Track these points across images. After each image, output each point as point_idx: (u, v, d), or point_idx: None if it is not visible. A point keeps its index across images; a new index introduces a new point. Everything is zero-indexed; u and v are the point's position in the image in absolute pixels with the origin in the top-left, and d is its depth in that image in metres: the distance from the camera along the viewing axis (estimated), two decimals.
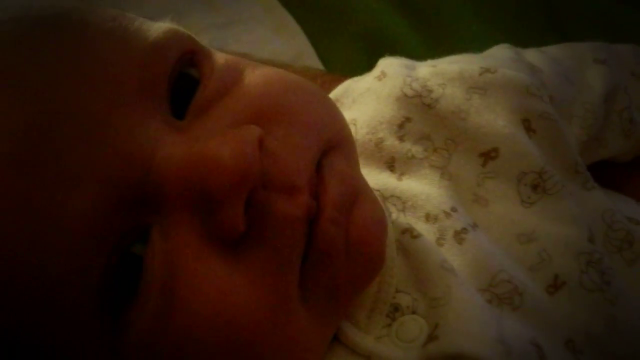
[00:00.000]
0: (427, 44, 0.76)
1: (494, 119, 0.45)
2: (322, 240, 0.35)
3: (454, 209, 0.42)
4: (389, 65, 0.49)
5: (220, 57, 0.39)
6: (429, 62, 0.50)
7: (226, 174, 0.33)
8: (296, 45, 0.73)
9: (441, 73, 0.47)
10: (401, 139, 0.45)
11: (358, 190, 0.37)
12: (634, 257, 0.43)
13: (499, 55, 0.50)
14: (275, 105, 0.37)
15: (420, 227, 0.41)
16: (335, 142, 0.38)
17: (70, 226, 0.32)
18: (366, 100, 0.47)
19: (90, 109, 0.33)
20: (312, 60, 0.72)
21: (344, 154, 0.39)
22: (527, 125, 0.45)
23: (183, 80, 0.37)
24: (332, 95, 0.50)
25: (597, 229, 0.43)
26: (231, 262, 0.34)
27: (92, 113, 0.33)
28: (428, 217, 0.42)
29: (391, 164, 0.44)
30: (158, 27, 0.37)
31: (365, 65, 0.52)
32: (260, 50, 0.67)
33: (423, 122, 0.45)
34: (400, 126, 0.45)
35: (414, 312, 0.39)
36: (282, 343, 0.35)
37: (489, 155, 0.44)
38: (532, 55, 0.52)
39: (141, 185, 0.34)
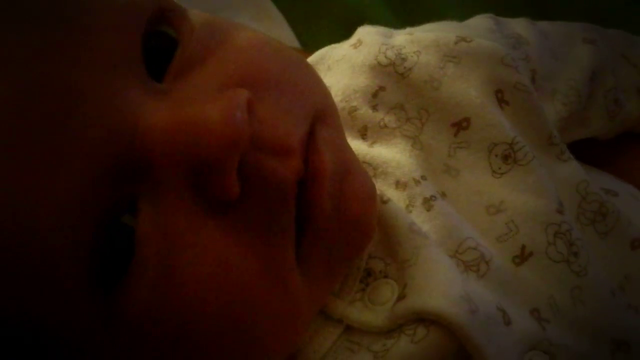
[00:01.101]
0: None
1: (467, 89, 0.45)
2: (320, 216, 0.35)
3: (423, 177, 0.42)
4: (366, 34, 0.49)
5: (199, 16, 0.38)
6: (407, 30, 0.50)
7: (217, 138, 0.32)
8: (277, 32, 0.72)
9: (417, 40, 0.47)
10: (374, 108, 0.45)
11: (349, 162, 0.37)
12: (607, 230, 0.43)
13: (478, 25, 0.51)
14: (263, 71, 0.36)
15: (390, 193, 0.41)
16: (323, 112, 0.38)
17: (54, 201, 0.31)
18: (341, 68, 0.47)
19: (65, 80, 0.32)
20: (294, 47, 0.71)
21: (333, 125, 0.38)
22: (500, 97, 0.45)
23: (157, 39, 0.36)
24: (309, 60, 0.49)
25: (571, 200, 0.44)
26: (226, 229, 0.33)
27: (68, 84, 0.32)
28: (398, 184, 0.42)
29: (364, 133, 0.44)
30: None
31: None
32: None
33: (396, 91, 0.45)
34: (374, 95, 0.45)
35: (386, 277, 0.39)
36: (278, 311, 0.34)
37: (460, 125, 0.44)
38: (521, 25, 0.52)
39: (126, 155, 0.33)
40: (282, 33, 0.73)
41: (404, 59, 0.46)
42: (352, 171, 0.37)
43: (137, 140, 0.33)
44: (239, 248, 0.33)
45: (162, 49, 0.36)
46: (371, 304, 0.38)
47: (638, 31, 0.75)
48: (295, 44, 0.73)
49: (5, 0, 0.33)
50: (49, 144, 0.31)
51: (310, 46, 0.69)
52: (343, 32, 0.53)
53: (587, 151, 0.52)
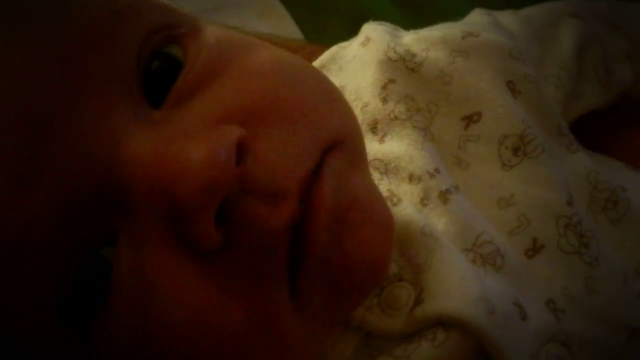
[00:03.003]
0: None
1: (477, 82, 0.45)
2: (312, 251, 0.32)
3: (437, 170, 0.42)
4: (373, 30, 0.48)
5: (211, 33, 0.35)
6: (412, 31, 0.50)
7: (194, 181, 0.29)
8: (283, 28, 0.72)
9: (424, 38, 0.47)
10: (384, 100, 0.44)
11: (355, 196, 0.34)
12: (618, 217, 0.43)
13: (479, 20, 0.50)
14: (269, 101, 0.34)
15: (403, 188, 0.41)
16: (339, 138, 0.35)
17: (25, 230, 0.30)
18: (353, 68, 0.47)
19: (48, 99, 0.31)
20: None
21: (348, 151, 0.36)
22: (512, 87, 0.45)
23: (166, 60, 0.34)
24: (319, 61, 0.49)
25: (582, 190, 0.44)
26: (207, 275, 0.31)
27: (50, 103, 0.30)
28: (411, 178, 0.41)
29: (374, 126, 0.44)
30: None
31: (348, 37, 0.51)
32: (242, 27, 0.67)
33: (406, 84, 0.45)
34: (384, 87, 0.45)
35: (400, 280, 0.38)
36: (271, 353, 0.33)
37: (471, 119, 0.44)
38: (504, 17, 0.52)
39: (104, 184, 0.31)
40: (288, 30, 0.73)
41: (413, 55, 0.46)
42: (361, 201, 0.34)
43: (115, 170, 0.31)
44: (221, 296, 0.31)
45: (167, 72, 0.34)
46: (388, 309, 0.38)
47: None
48: (299, 35, 0.73)
49: None
50: (26, 162, 0.30)
51: (316, 42, 0.69)
52: (349, 28, 0.53)
53: (589, 133, 0.52)
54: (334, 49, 0.50)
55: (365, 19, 0.53)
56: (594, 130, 0.52)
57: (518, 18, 0.52)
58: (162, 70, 0.34)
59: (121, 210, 0.31)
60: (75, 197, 0.31)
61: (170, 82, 0.33)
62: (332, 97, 0.37)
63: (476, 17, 0.51)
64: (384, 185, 0.41)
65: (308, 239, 0.32)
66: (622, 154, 0.51)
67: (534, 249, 0.41)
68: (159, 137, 0.31)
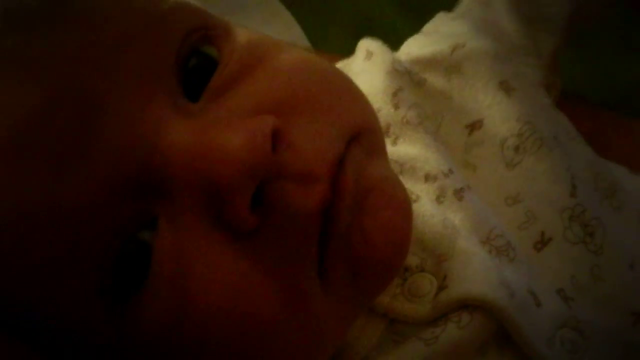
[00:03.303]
0: None
1: (475, 94, 0.48)
2: (336, 231, 0.34)
3: (451, 171, 0.44)
4: (372, 45, 0.51)
5: (242, 35, 0.38)
6: (403, 49, 0.52)
7: (232, 166, 0.32)
8: (290, 35, 0.73)
9: (417, 61, 0.50)
10: (396, 106, 0.47)
11: (373, 183, 0.36)
12: (619, 205, 0.46)
13: (457, 30, 0.53)
14: (299, 94, 0.36)
15: (420, 188, 0.43)
16: (361, 129, 0.37)
17: (66, 210, 0.31)
18: (362, 80, 0.48)
19: (90, 89, 0.32)
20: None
21: (369, 141, 0.38)
22: (506, 86, 0.47)
23: (202, 59, 0.36)
24: None
25: (586, 176, 0.46)
26: (243, 255, 0.33)
27: (93, 93, 0.32)
28: (427, 177, 0.44)
29: (387, 130, 0.46)
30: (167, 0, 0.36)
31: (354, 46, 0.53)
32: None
33: (414, 94, 0.48)
34: (394, 94, 0.47)
35: (422, 271, 0.40)
36: (301, 333, 0.34)
37: (474, 126, 0.47)
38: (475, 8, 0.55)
39: (144, 171, 0.33)
40: (295, 36, 0.74)
41: (416, 73, 0.49)
42: (380, 186, 0.36)
43: (156, 158, 0.33)
44: (255, 274, 0.33)
45: (204, 69, 0.36)
46: (412, 297, 0.40)
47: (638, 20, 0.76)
48: (306, 43, 0.74)
49: (41, 2, 0.34)
50: (69, 151, 0.32)
51: (322, 47, 0.70)
52: (354, 34, 0.54)
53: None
54: (338, 65, 0.52)
55: (369, 24, 0.54)
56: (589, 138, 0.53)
57: (477, 3, 0.55)
58: (198, 68, 0.36)
59: (161, 195, 0.33)
60: (117, 181, 0.32)
61: (206, 78, 0.36)
62: (355, 93, 0.40)
63: (451, 26, 0.54)
64: None
65: (333, 221, 0.34)
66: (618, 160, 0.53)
67: (542, 242, 0.43)
68: (198, 126, 0.33)
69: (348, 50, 0.54)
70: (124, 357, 0.34)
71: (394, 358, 0.39)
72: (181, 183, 0.33)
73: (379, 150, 0.39)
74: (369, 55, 0.50)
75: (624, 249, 0.43)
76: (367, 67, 0.49)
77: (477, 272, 0.39)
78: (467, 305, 0.39)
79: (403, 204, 0.37)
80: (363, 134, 0.37)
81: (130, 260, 0.33)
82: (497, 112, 0.47)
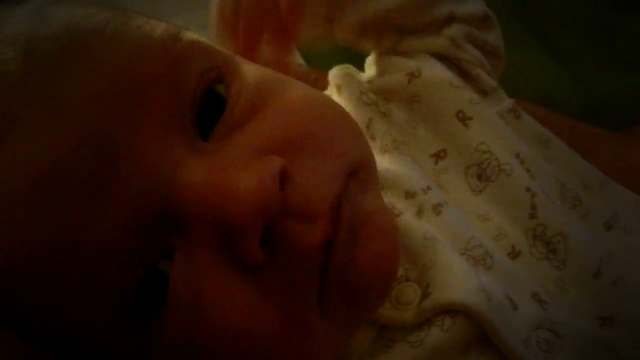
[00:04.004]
0: None
1: (436, 124, 0.50)
2: (332, 264, 0.37)
3: (429, 188, 0.47)
4: (339, 78, 0.53)
5: (250, 74, 0.41)
6: (367, 71, 0.54)
7: (245, 208, 0.34)
8: None
9: (379, 90, 0.51)
10: (372, 137, 0.50)
11: (365, 219, 0.39)
12: (585, 213, 0.48)
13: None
14: (303, 134, 0.39)
15: (401, 204, 0.45)
16: (358, 166, 0.40)
17: (91, 247, 0.34)
18: None
19: (114, 134, 0.35)
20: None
21: (364, 177, 0.41)
22: (462, 117, 0.50)
23: (211, 97, 0.39)
24: None
25: (554, 187, 0.48)
26: (251, 285, 0.36)
27: (116, 137, 0.35)
28: (407, 195, 0.46)
29: None
30: (183, 38, 0.39)
31: (346, 62, 0.55)
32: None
33: (383, 125, 0.50)
34: (368, 127, 0.50)
35: (407, 280, 0.43)
36: (301, 353, 0.38)
37: (439, 156, 0.50)
38: None
39: (163, 209, 0.36)
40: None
41: (381, 105, 0.51)
42: (371, 220, 0.39)
43: (174, 194, 0.36)
44: (262, 302, 0.36)
45: (209, 105, 0.39)
46: (399, 305, 0.42)
47: (637, 47, 0.77)
48: (297, 54, 0.75)
49: (68, 45, 0.36)
50: (95, 192, 0.34)
51: (311, 55, 0.72)
52: (345, 49, 0.56)
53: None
54: None
55: None
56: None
57: None
58: (206, 105, 0.38)
59: (177, 230, 0.36)
60: (139, 219, 0.35)
61: (211, 114, 0.38)
62: (353, 129, 0.43)
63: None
64: (385, 199, 0.45)
65: (331, 254, 0.37)
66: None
67: (514, 254, 0.46)
68: (212, 166, 0.36)
69: (338, 57, 0.55)
70: None
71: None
72: (196, 219, 0.35)
73: (373, 183, 0.42)
74: (339, 89, 0.53)
75: (588, 260, 0.46)
76: (339, 101, 0.52)
77: (457, 280, 0.42)
78: (450, 310, 0.41)
79: (392, 233, 0.40)
80: (360, 170, 0.40)
81: (149, 289, 0.36)
82: (457, 143, 0.49)
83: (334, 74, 0.54)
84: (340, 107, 0.44)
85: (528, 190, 0.48)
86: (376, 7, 0.52)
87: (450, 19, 0.53)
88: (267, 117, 0.39)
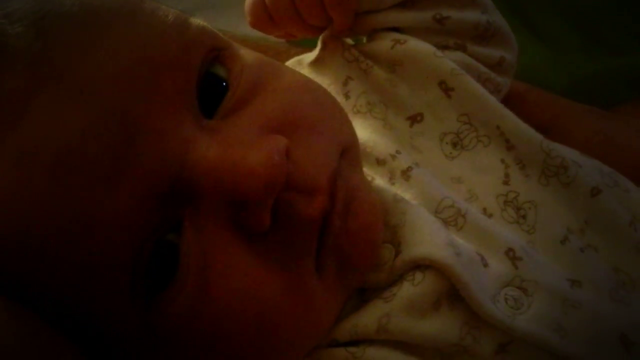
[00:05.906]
0: None
1: (416, 90, 0.51)
2: (329, 231, 0.40)
3: (398, 152, 0.48)
4: (326, 35, 0.55)
5: (248, 56, 0.43)
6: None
7: (258, 181, 0.37)
8: None
9: (362, 56, 0.53)
10: (347, 95, 0.51)
11: (358, 189, 0.42)
12: (569, 181, 0.48)
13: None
14: (301, 114, 0.42)
15: (374, 170, 0.47)
16: (347, 147, 0.43)
17: (108, 219, 0.36)
18: (317, 69, 0.53)
19: (129, 113, 0.36)
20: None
21: (352, 157, 0.44)
22: (444, 87, 0.51)
23: (207, 76, 0.41)
24: (287, 64, 0.55)
25: (536, 158, 0.49)
26: (257, 253, 0.39)
27: (131, 116, 0.36)
28: (378, 161, 0.48)
29: None
30: (192, 24, 0.41)
31: None
32: (233, 32, 0.69)
33: (362, 83, 0.52)
34: (345, 83, 0.52)
35: (383, 242, 0.44)
36: (302, 314, 0.40)
37: (415, 119, 0.51)
38: None
39: (175, 182, 0.37)
40: None
41: (362, 61, 0.52)
42: (360, 195, 0.42)
43: (186, 170, 0.38)
44: (266, 267, 0.39)
45: (211, 86, 0.41)
46: (375, 267, 0.44)
47: (620, 30, 0.78)
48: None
49: (84, 23, 0.38)
50: (113, 166, 0.36)
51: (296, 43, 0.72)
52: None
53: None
54: (301, 56, 0.56)
55: None
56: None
57: None
58: (207, 85, 0.40)
59: (186, 202, 0.38)
60: (153, 189, 0.37)
61: (212, 95, 0.41)
62: (341, 111, 0.46)
63: None
64: None
65: (329, 225, 0.40)
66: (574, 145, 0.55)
67: (486, 214, 0.47)
68: (221, 143, 0.39)
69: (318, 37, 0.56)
70: (147, 346, 0.38)
71: (359, 316, 0.43)
72: (207, 192, 0.38)
73: (358, 162, 0.46)
74: (324, 45, 0.55)
75: (554, 228, 0.47)
76: (321, 55, 0.54)
77: (425, 236, 0.43)
78: (420, 265, 0.43)
79: (375, 205, 0.43)
80: (349, 149, 0.43)
81: (159, 260, 0.37)
82: (436, 110, 0.50)
83: (324, 34, 0.55)
84: (328, 92, 0.46)
85: (502, 161, 0.49)
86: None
87: None
88: (267, 98, 0.41)
